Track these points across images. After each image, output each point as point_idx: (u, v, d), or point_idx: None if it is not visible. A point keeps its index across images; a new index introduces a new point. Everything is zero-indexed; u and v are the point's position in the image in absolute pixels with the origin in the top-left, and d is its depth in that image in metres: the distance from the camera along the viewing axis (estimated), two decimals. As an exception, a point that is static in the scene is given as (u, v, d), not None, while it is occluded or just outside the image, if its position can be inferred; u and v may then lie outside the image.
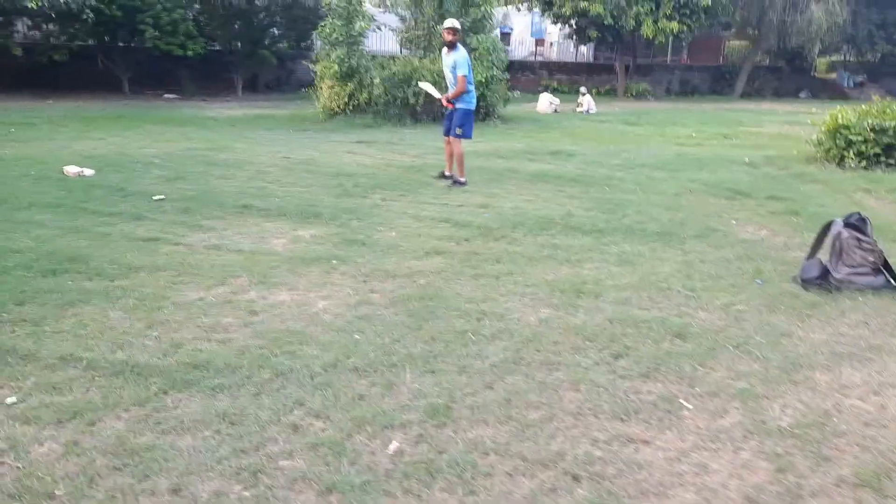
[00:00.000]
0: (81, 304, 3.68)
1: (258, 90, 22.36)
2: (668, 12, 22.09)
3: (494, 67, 14.27)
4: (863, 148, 8.96)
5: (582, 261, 4.74)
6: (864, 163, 8.92)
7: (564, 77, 27.16)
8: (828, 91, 31.06)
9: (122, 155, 8.60)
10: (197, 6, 19.67)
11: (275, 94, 22.21)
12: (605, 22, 21.94)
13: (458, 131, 7.40)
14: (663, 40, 23.34)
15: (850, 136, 9.10)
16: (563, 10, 21.90)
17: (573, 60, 29.53)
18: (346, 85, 13.09)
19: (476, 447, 2.47)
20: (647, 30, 22.18)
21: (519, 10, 24.59)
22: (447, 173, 7.85)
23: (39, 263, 4.25)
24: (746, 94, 27.99)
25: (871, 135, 8.95)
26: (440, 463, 2.36)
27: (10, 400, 2.69)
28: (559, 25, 28.88)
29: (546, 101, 18.43)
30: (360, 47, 13.07)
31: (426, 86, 8.71)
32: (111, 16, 16.38)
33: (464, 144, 7.53)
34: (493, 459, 2.40)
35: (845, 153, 9.14)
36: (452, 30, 7.24)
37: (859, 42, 28.08)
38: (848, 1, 25.18)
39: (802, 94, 30.24)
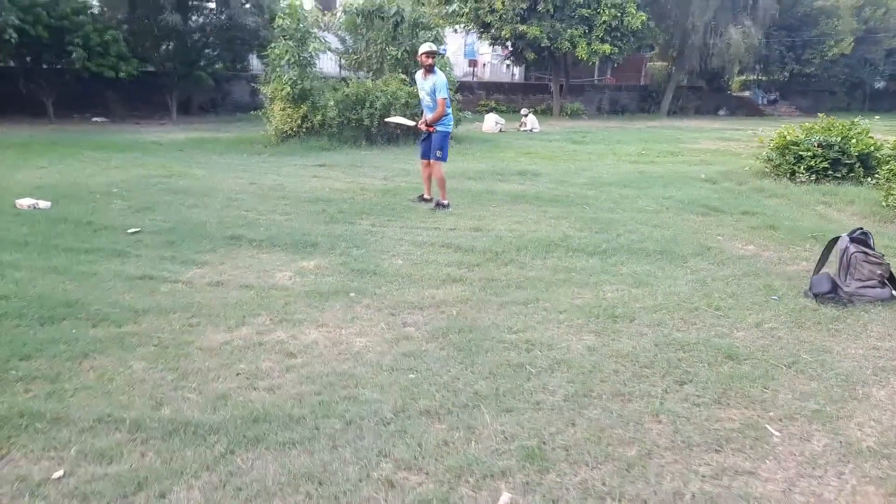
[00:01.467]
0: (96, 354, 3.33)
1: (192, 112, 21.57)
2: (601, 35, 22.89)
3: (447, 89, 14.28)
4: (812, 163, 9.47)
5: (599, 283, 4.72)
6: (813, 177, 9.42)
7: (502, 97, 27.61)
8: (744, 108, 32.98)
9: (74, 185, 8.01)
10: (126, 27, 18.81)
11: (210, 116, 21.49)
12: (542, 44, 22.51)
13: (438, 154, 7.31)
14: (596, 61, 24.16)
15: (800, 152, 9.61)
16: (502, 32, 22.28)
17: (508, 81, 30.11)
18: (299, 107, 12.78)
19: (589, 492, 2.35)
20: (581, 52, 22.89)
21: (456, 31, 24.83)
22: (426, 196, 7.73)
23: (31, 310, 3.83)
24: (672, 113, 29.29)
25: (819, 150, 9.48)
26: (561, 512, 2.23)
27: (57, 474, 2.37)
28: (492, 47, 29.49)
29: (492, 121, 18.64)
30: (313, 69, 12.80)
31: (397, 119, 8.63)
32: (36, 36, 15.40)
33: (443, 167, 7.44)
34: (611, 504, 2.29)
35: (796, 168, 9.63)
36: (430, 53, 7.15)
37: (772, 62, 29.96)
38: (762, 25, 26.89)
39: (721, 112, 31.96)
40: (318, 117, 12.82)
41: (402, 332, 3.76)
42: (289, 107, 12.79)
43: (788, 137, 9.91)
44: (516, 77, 32.13)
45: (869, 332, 3.92)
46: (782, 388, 3.17)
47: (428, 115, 7.36)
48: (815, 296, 4.48)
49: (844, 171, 9.43)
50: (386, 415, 2.81)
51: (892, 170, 7.74)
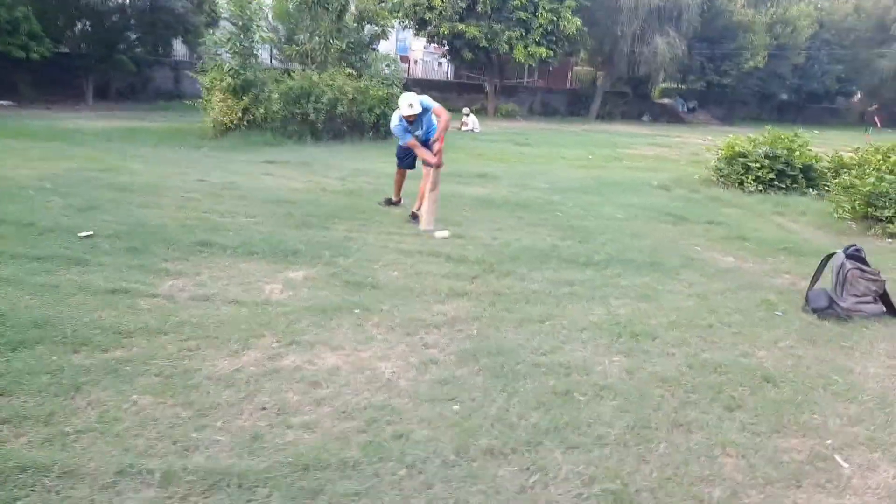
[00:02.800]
0: (89, 387, 2.87)
1: (109, 98, 20.17)
2: (537, 38, 23.15)
3: (394, 85, 13.99)
4: (759, 174, 9.84)
5: (605, 297, 4.61)
6: (760, 187, 9.80)
7: (437, 94, 27.25)
8: (666, 115, 34.35)
9: (-2, 178, 7.16)
10: (36, 3, 17.27)
11: (129, 102, 20.15)
12: (480, 44, 22.50)
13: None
14: (533, 64, 24.40)
15: (749, 163, 9.97)
16: (441, 29, 22.09)
17: (442, 79, 29.98)
18: (241, 99, 12.09)
19: (694, 540, 2.19)
20: (518, 54, 23.07)
21: (393, 27, 24.40)
22: (395, 199, 7.42)
23: (-5, 333, 3.28)
24: (600, 117, 30.10)
25: (766, 161, 9.87)
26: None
27: (86, 547, 1.97)
28: (425, 44, 29.28)
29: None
30: (257, 59, 12.14)
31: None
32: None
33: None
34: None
35: (744, 178, 9.98)
36: (414, 115, 6.28)
37: (693, 72, 31.32)
38: (685, 35, 28.04)
39: (644, 118, 33.16)
40: (261, 111, 12.18)
41: (426, 355, 3.49)
42: (229, 98, 12.07)
43: (737, 148, 10.27)
44: (447, 76, 32.07)
45: (878, 350, 4.00)
46: (828, 413, 3.14)
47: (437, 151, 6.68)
48: (814, 311, 4.54)
49: (788, 181, 9.86)
50: (448, 456, 2.55)
51: (841, 184, 8.11)
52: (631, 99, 33.46)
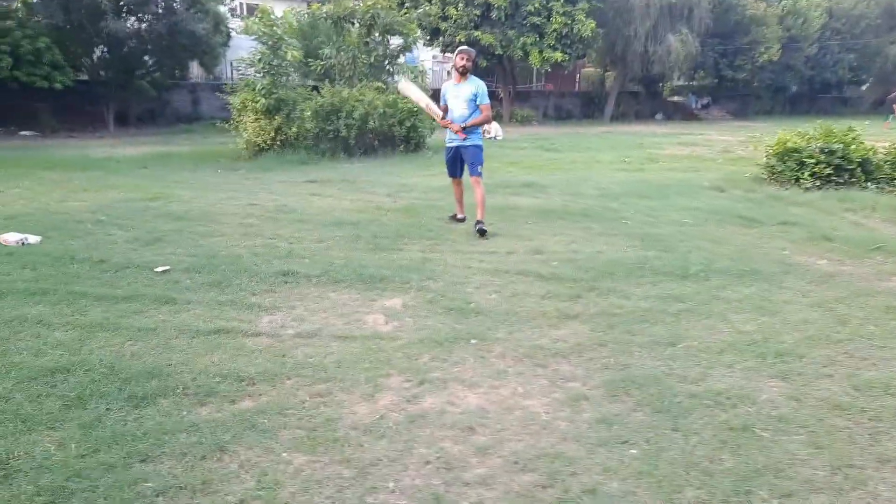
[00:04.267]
0: (235, 446, 2.62)
1: (130, 124, 20.06)
2: (552, 42, 22.94)
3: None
4: (816, 169, 9.53)
5: (723, 313, 4.33)
6: (818, 183, 9.49)
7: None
8: (679, 112, 34.08)
9: (49, 213, 6.95)
10: (55, 32, 17.19)
11: (150, 127, 20.04)
12: (496, 52, 22.32)
13: (480, 169, 6.73)
14: (549, 68, 24.20)
15: (803, 159, 9.67)
16: (456, 38, 21.92)
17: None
18: (273, 118, 11.90)
19: None
20: (534, 59, 22.86)
21: (419, 39, 24.28)
22: (460, 216, 7.18)
23: (111, 386, 3.03)
24: (615, 118, 29.85)
25: (822, 156, 9.57)
26: None
27: None
28: (434, 53, 29.14)
29: (456, 129, 18.19)
30: (288, 77, 11.96)
31: (413, 93, 7.16)
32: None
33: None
34: None
35: (799, 175, 9.68)
36: (469, 55, 6.47)
37: (708, 68, 31.04)
38: (698, 32, 27.79)
39: (658, 116, 32.90)
40: (294, 129, 11.97)
41: (570, 390, 3.22)
42: (262, 118, 11.88)
43: (789, 144, 9.97)
44: (460, 84, 31.89)
45: None
46: None
47: (456, 125, 6.67)
48: (948, 317, 4.25)
49: (847, 176, 9.56)
50: (660, 513, 2.28)
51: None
52: (644, 98, 33.23)
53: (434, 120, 6.68)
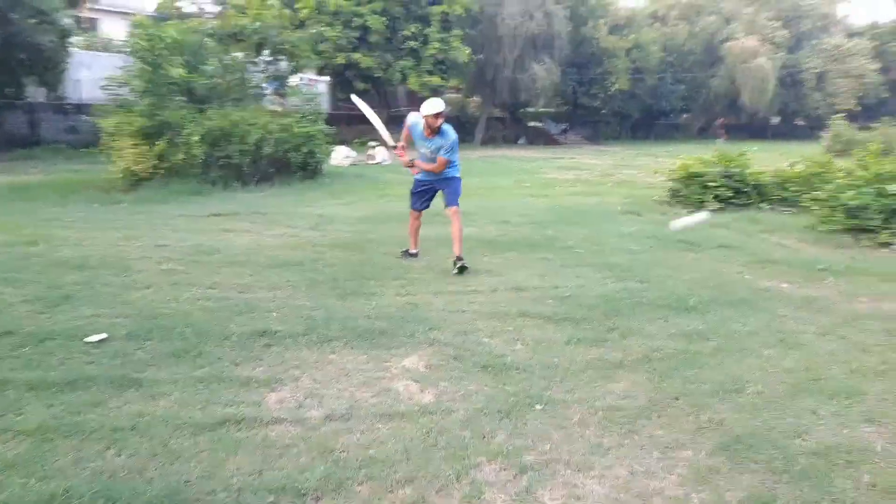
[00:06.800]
0: None
1: (-52, 148, 17.02)
2: (429, 67, 22.98)
3: (318, 121, 13.00)
4: (719, 192, 10.08)
5: (751, 349, 4.15)
6: (721, 205, 10.02)
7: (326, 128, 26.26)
8: (541, 137, 35.65)
9: None
10: None
11: (-25, 153, 17.13)
12: (376, 74, 21.90)
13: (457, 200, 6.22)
14: (428, 94, 24.17)
15: (706, 182, 10.19)
16: (336, 60, 21.20)
17: (332, 111, 28.92)
18: (156, 143, 10.50)
19: None
20: (413, 83, 22.74)
21: (311, 60, 23.12)
22: (413, 251, 6.60)
23: None
24: (484, 143, 30.54)
25: (723, 180, 10.14)
26: None
27: None
28: (300, 76, 28.11)
29: (342, 154, 17.52)
30: (173, 99, 10.64)
31: (371, 115, 6.58)
32: None
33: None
34: None
35: (703, 197, 10.18)
36: (439, 115, 5.79)
37: (567, 96, 32.82)
38: (559, 62, 29.30)
39: (521, 141, 34.18)
40: (180, 156, 10.65)
41: (688, 461, 2.80)
42: (142, 143, 10.44)
43: (692, 169, 10.48)
44: (327, 107, 31.03)
45: None
46: None
47: (423, 165, 6.17)
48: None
49: (744, 198, 10.20)
50: None
51: (821, 197, 8.41)
52: (509, 123, 34.38)
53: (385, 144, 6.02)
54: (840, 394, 3.48)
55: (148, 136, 10.39)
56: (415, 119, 6.02)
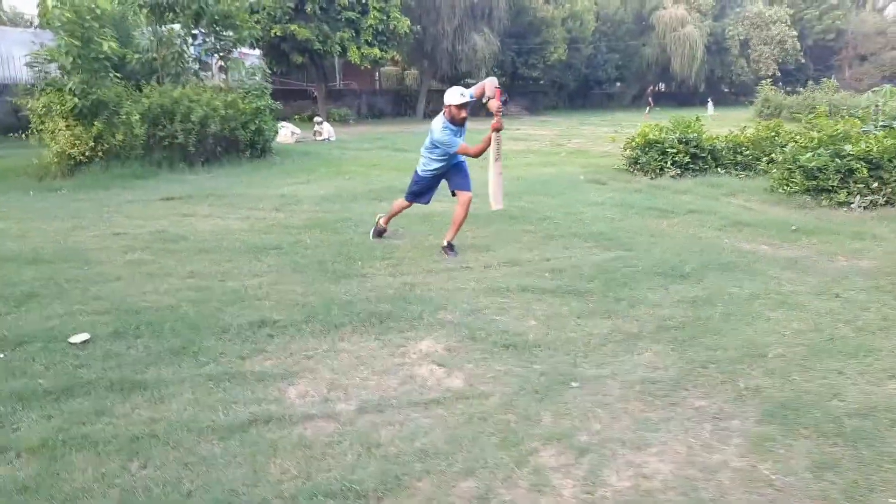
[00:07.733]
0: None
1: None
2: (369, 38, 22.37)
3: (264, 96, 12.41)
4: (677, 158, 10.23)
5: (759, 311, 4.19)
6: (679, 171, 10.18)
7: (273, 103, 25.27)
8: (482, 109, 35.55)
9: None
10: None
11: None
12: (314, 47, 21.12)
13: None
14: (368, 65, 23.57)
15: (666, 149, 10.32)
16: (273, 31, 20.30)
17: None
18: (92, 124, 9.75)
19: None
20: (353, 55, 22.09)
21: (256, 31, 21.91)
22: (384, 225, 6.33)
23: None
24: (427, 115, 30.14)
25: (681, 146, 10.29)
26: None
27: None
28: (253, 48, 26.95)
29: (288, 132, 16.87)
30: (108, 75, 9.86)
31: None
32: None
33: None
34: None
35: (663, 164, 10.31)
36: (465, 105, 5.40)
37: (505, 67, 32.67)
38: (498, 32, 29.09)
39: (462, 113, 33.95)
40: (120, 137, 9.94)
41: (738, 431, 2.77)
42: (77, 125, 9.67)
43: (650, 136, 10.58)
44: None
45: None
46: None
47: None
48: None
49: (700, 163, 10.39)
50: None
51: (784, 160, 8.63)
52: (449, 96, 34.00)
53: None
54: (857, 353, 3.54)
55: (82, 116, 9.62)
56: (437, 131, 5.52)
